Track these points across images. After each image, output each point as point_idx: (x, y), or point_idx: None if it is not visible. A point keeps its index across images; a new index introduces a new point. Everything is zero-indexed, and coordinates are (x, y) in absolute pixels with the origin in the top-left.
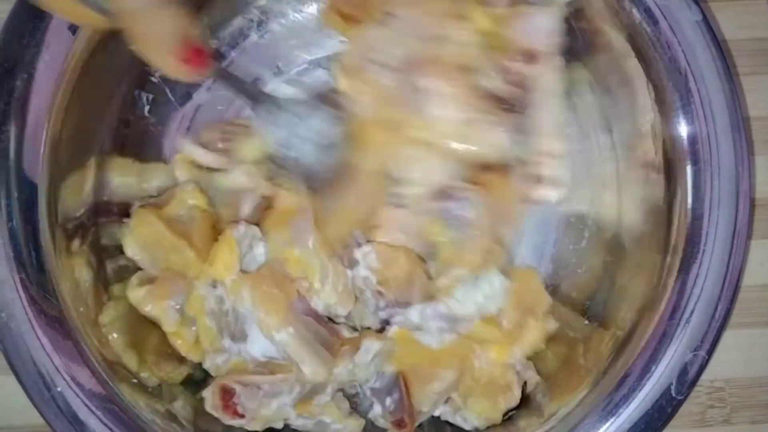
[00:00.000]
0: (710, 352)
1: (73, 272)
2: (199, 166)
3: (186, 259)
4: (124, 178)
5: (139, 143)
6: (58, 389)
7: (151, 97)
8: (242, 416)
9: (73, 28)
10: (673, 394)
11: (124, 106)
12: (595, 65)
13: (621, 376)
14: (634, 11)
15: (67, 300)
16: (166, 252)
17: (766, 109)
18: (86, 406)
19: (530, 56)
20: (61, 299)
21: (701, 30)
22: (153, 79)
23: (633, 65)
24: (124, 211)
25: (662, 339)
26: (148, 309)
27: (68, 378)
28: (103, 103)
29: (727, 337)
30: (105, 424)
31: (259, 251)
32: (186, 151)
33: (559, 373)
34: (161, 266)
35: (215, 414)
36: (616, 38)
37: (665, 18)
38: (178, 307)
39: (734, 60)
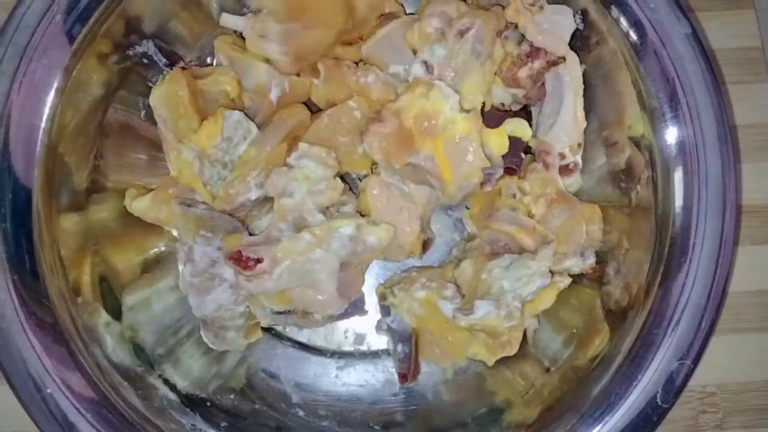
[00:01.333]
0: (696, 361)
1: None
2: (239, 49)
3: (189, 130)
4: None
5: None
6: (48, 391)
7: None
8: (259, 261)
9: (71, 36)
10: (659, 402)
11: (124, 111)
12: (588, 74)
13: (606, 383)
14: (623, 21)
15: (59, 303)
16: (178, 116)
17: (753, 117)
18: (76, 408)
19: (547, 54)
20: (53, 302)
21: (690, 43)
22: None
23: (623, 78)
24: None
25: (648, 347)
26: (158, 214)
27: (59, 380)
28: (100, 109)
29: (719, 342)
30: (95, 427)
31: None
32: (227, 23)
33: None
34: (171, 126)
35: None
36: (608, 50)
37: (655, 30)
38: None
39: (722, 69)
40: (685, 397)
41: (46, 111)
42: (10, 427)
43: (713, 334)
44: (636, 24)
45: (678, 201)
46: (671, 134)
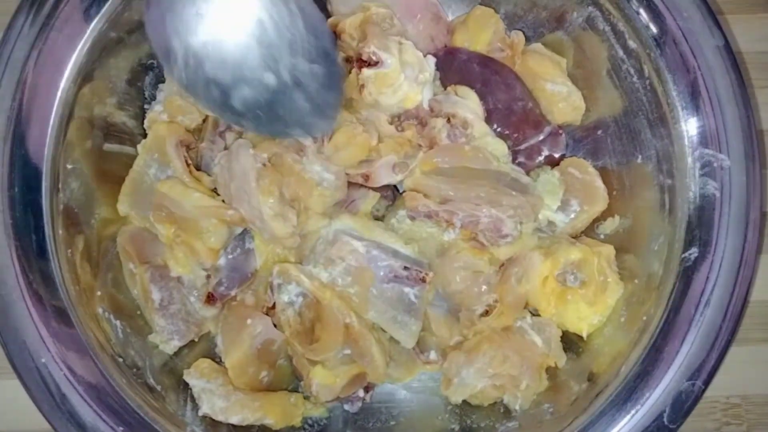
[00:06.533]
0: (707, 383)
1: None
2: None
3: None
4: None
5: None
6: (43, 361)
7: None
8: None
9: (88, 15)
10: (666, 422)
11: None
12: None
13: (612, 399)
14: (653, 28)
15: (63, 273)
16: None
17: None
18: (69, 381)
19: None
20: (55, 273)
21: (722, 55)
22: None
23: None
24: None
25: (658, 364)
26: None
27: (53, 351)
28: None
29: (744, 352)
30: (86, 402)
31: None
32: None
33: None
34: None
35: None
36: None
37: (687, 41)
38: None
39: (748, 73)
40: (708, 407)
41: (63, 80)
42: (21, 425)
43: (736, 344)
44: (667, 33)
45: (699, 218)
46: (698, 148)
